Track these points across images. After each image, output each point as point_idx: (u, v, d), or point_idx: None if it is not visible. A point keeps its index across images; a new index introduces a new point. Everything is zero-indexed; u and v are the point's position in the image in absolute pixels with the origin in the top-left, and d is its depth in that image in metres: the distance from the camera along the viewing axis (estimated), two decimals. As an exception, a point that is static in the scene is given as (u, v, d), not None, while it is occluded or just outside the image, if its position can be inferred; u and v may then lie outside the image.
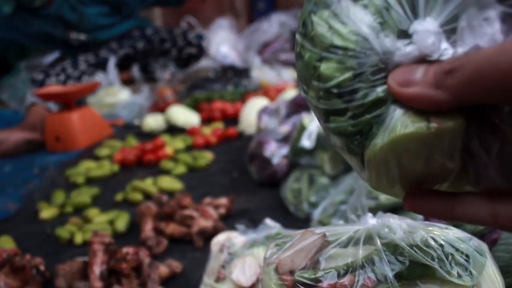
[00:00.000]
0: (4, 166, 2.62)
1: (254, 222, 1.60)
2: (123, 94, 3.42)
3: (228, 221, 1.70)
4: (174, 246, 1.59)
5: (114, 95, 3.39)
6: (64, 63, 3.66)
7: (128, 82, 3.72)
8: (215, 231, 1.57)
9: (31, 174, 2.46)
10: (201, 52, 3.97)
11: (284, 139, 1.95)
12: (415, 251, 0.67)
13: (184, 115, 2.92)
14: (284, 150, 1.90)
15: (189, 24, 4.97)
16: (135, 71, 3.69)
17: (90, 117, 2.87)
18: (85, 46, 3.76)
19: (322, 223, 1.50)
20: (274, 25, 4.58)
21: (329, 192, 1.67)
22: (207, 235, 1.58)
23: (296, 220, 1.66)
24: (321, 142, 1.72)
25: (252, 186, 2.02)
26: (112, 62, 3.54)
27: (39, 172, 2.48)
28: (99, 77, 3.51)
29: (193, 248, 1.57)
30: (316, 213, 1.59)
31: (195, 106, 3.17)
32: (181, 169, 2.24)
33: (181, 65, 3.91)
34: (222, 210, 1.73)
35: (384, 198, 1.36)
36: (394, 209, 1.37)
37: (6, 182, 2.37)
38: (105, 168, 2.34)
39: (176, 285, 1.38)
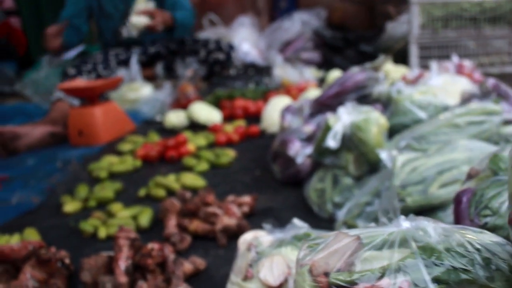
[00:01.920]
0: (27, 160, 2.64)
1: (277, 221, 1.60)
2: (145, 90, 3.42)
3: (251, 219, 1.70)
4: (197, 243, 1.60)
5: (136, 91, 3.40)
6: (96, 58, 3.69)
7: (150, 78, 3.73)
8: (239, 229, 1.57)
9: (54, 168, 2.48)
10: (228, 59, 3.93)
11: (308, 139, 1.94)
12: (452, 255, 0.66)
13: (206, 112, 2.92)
14: (308, 149, 1.89)
15: (211, 21, 4.98)
16: (159, 68, 3.71)
17: (113, 112, 2.88)
18: (125, 45, 3.80)
19: (347, 224, 1.50)
20: (296, 24, 4.57)
21: (353, 193, 1.66)
22: (231, 233, 1.58)
23: (319, 220, 1.66)
24: (346, 143, 1.71)
25: (275, 185, 2.01)
26: (134, 58, 3.55)
27: (62, 166, 2.49)
28: (121, 72, 3.53)
29: (216, 245, 1.57)
30: (341, 214, 1.58)
31: (216, 103, 3.17)
32: (203, 166, 2.25)
33: (205, 69, 3.88)
34: (246, 208, 1.73)
35: (410, 200, 1.36)
36: (420, 212, 1.37)
37: (30, 176, 2.39)
38: (128, 163, 2.35)
39: (200, 282, 1.39)
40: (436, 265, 0.66)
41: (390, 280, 0.66)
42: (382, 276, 0.67)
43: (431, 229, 0.72)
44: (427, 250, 0.68)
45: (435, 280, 0.65)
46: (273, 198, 1.88)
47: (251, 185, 2.04)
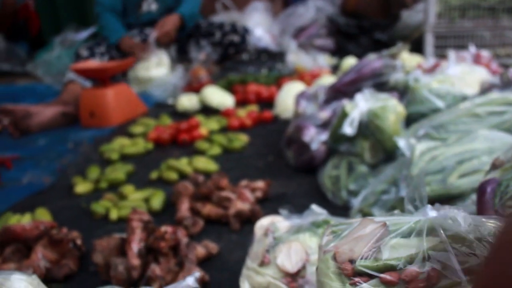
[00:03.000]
0: (38, 140, 2.63)
1: (291, 207, 1.58)
2: (159, 71, 3.39)
3: (264, 204, 1.68)
4: (210, 227, 1.58)
5: (150, 70, 3.36)
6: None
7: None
8: (252, 214, 1.55)
9: (65, 149, 2.47)
10: (243, 42, 3.90)
11: (324, 125, 1.92)
12: (484, 246, 0.64)
13: (218, 96, 2.90)
14: (323, 136, 1.87)
15: (224, 5, 4.94)
16: (172, 50, 3.67)
17: (125, 94, 2.87)
18: (140, 26, 3.78)
19: (362, 212, 1.48)
20: (310, 10, 4.52)
21: (368, 181, 1.64)
22: (244, 218, 1.56)
23: (333, 207, 1.64)
24: (362, 130, 1.68)
25: (288, 170, 1.99)
26: (152, 36, 3.50)
27: (73, 147, 2.48)
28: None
29: (229, 230, 1.56)
30: (356, 202, 1.56)
31: (229, 87, 3.15)
32: (216, 150, 2.23)
33: (220, 51, 3.85)
34: (259, 194, 1.71)
35: (429, 190, 1.33)
36: (439, 202, 1.34)
37: (41, 156, 2.38)
38: (140, 145, 2.33)
39: (213, 266, 1.37)
40: (467, 254, 0.64)
41: (419, 269, 0.64)
42: (410, 264, 0.65)
43: (461, 218, 0.70)
44: (457, 239, 0.66)
45: (466, 270, 0.63)
46: (286, 184, 1.86)
47: (264, 171, 2.02)
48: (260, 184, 1.74)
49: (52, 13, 4.98)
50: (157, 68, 3.39)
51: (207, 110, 2.87)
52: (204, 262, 1.38)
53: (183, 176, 1.97)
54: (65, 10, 4.96)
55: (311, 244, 1.00)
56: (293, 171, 1.98)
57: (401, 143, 1.55)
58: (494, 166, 1.03)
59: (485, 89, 1.85)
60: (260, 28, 4.42)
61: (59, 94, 3.11)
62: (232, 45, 3.83)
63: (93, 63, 2.97)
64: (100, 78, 2.79)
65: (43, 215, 1.70)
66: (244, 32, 3.88)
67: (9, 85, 4.01)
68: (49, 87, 3.67)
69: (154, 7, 3.72)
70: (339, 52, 4.22)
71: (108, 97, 2.77)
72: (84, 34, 4.22)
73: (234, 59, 3.84)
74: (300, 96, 2.19)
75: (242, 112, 2.70)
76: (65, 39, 4.15)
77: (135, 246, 1.31)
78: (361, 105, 1.69)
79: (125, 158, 2.26)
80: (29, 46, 4.95)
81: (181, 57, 3.73)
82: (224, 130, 2.56)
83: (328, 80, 2.65)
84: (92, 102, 2.77)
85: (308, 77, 3.10)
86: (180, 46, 3.78)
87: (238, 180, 1.84)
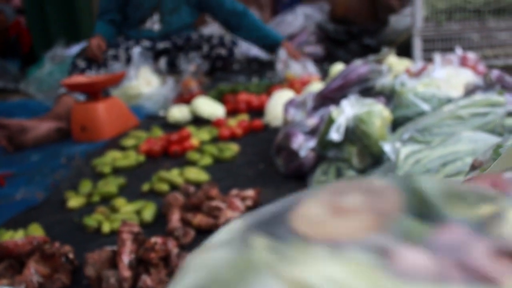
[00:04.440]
0: (31, 156, 2.64)
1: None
2: (148, 87, 3.42)
3: (255, 213, 1.69)
4: (201, 237, 1.59)
5: (140, 87, 3.39)
6: (107, 54, 3.68)
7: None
8: (242, 223, 1.57)
9: (58, 164, 2.48)
10: (231, 55, 3.94)
11: (312, 132, 1.94)
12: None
13: (209, 107, 2.92)
14: (312, 142, 1.89)
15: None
16: (162, 63, 3.70)
17: (116, 108, 2.88)
18: (135, 39, 3.83)
19: (350, 217, 1.49)
20: (299, 18, 4.56)
21: (357, 186, 1.65)
22: (234, 227, 1.58)
23: (323, 213, 1.65)
24: (349, 135, 1.71)
25: (279, 178, 2.01)
26: (136, 53, 3.54)
27: (66, 162, 2.50)
28: (121, 67, 3.52)
29: (220, 239, 1.57)
30: (344, 207, 1.58)
31: (220, 98, 3.17)
32: (207, 160, 2.24)
33: (208, 64, 3.88)
34: (249, 202, 1.72)
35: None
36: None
37: (34, 171, 2.39)
38: (131, 158, 2.35)
39: (204, 276, 1.38)
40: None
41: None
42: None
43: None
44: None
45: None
46: (276, 192, 1.88)
47: (255, 179, 2.04)
48: (250, 192, 1.76)
49: (43, 29, 5.01)
50: (146, 87, 3.41)
51: (198, 121, 2.89)
52: (195, 272, 1.40)
53: (174, 187, 1.99)
54: (56, 26, 4.99)
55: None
56: (283, 179, 2.00)
57: (387, 147, 1.57)
58: (473, 167, 1.05)
59: (469, 91, 1.87)
60: (250, 37, 4.45)
61: (50, 109, 3.12)
62: (220, 59, 3.87)
63: (82, 77, 2.99)
64: (91, 92, 2.81)
65: (36, 231, 1.71)
66: (232, 45, 3.92)
67: (1, 102, 4.03)
68: (41, 103, 3.68)
69: (156, 27, 3.79)
70: (328, 58, 4.25)
71: (99, 111, 2.78)
72: (74, 49, 4.24)
73: (223, 70, 3.88)
74: (289, 104, 2.21)
75: (233, 122, 2.72)
76: (55, 54, 4.17)
77: (126, 258, 1.32)
78: (347, 111, 1.72)
79: (117, 171, 2.28)
80: (21, 63, 4.98)
81: (171, 69, 3.76)
82: (215, 140, 2.57)
83: (317, 87, 2.67)
84: (83, 117, 2.79)
85: (298, 85, 3.13)
86: (170, 58, 3.81)
87: (229, 189, 1.85)
